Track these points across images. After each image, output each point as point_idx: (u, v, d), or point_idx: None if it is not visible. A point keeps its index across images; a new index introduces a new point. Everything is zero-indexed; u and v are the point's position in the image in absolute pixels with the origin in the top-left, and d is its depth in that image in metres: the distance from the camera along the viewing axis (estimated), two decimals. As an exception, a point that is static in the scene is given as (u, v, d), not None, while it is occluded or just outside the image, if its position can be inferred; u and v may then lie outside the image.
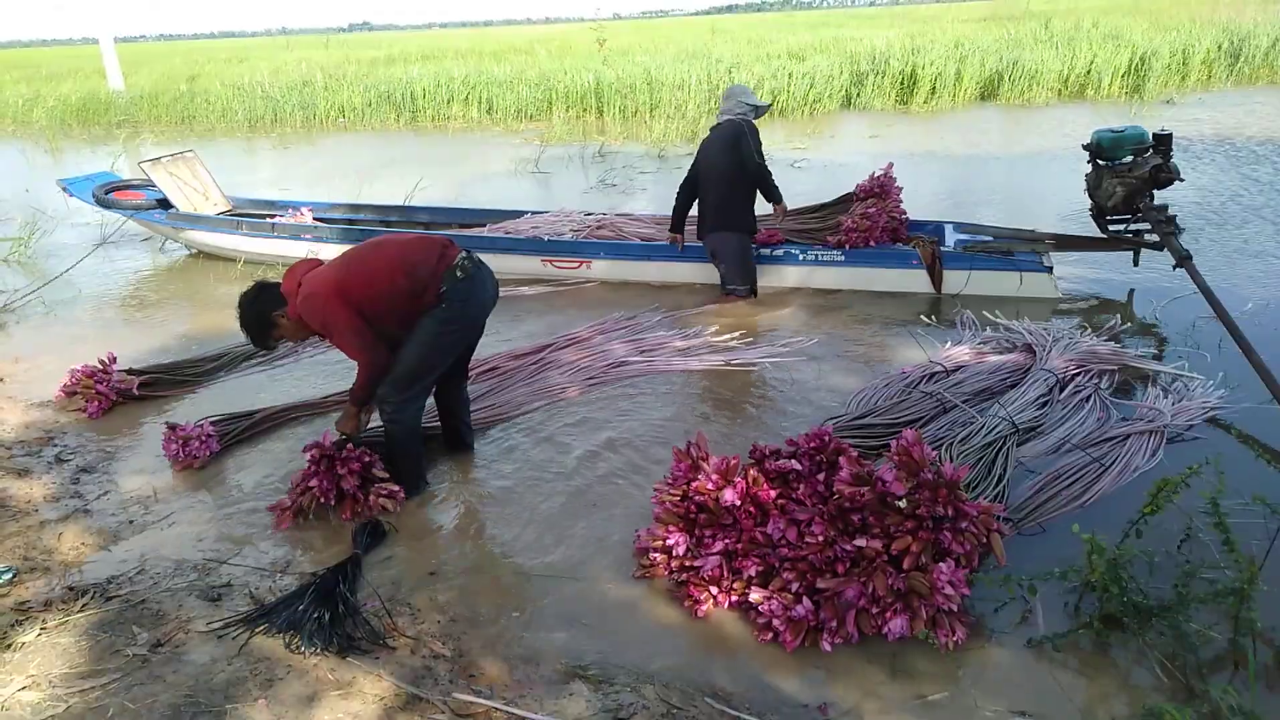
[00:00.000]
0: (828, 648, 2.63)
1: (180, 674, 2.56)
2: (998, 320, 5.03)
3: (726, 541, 2.89)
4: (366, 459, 3.50)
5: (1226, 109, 13.27)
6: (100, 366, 4.64)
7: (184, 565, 3.16)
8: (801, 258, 5.75)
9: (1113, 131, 5.37)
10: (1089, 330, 4.84)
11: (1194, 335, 4.82)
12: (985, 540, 2.77)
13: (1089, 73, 15.56)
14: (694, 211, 5.81)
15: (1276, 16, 18.77)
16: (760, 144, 5.61)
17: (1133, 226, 5.46)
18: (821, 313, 5.48)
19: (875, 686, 2.51)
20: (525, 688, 2.54)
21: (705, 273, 5.93)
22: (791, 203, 7.71)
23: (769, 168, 5.62)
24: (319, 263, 3.52)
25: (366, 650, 2.68)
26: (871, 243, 5.68)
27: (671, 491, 3.08)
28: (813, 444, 3.06)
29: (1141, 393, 4.18)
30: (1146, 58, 15.36)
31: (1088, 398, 4.09)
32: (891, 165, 6.03)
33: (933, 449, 3.48)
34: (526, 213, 6.98)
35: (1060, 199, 8.01)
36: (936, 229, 5.98)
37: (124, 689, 2.50)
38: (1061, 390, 4.16)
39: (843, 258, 5.66)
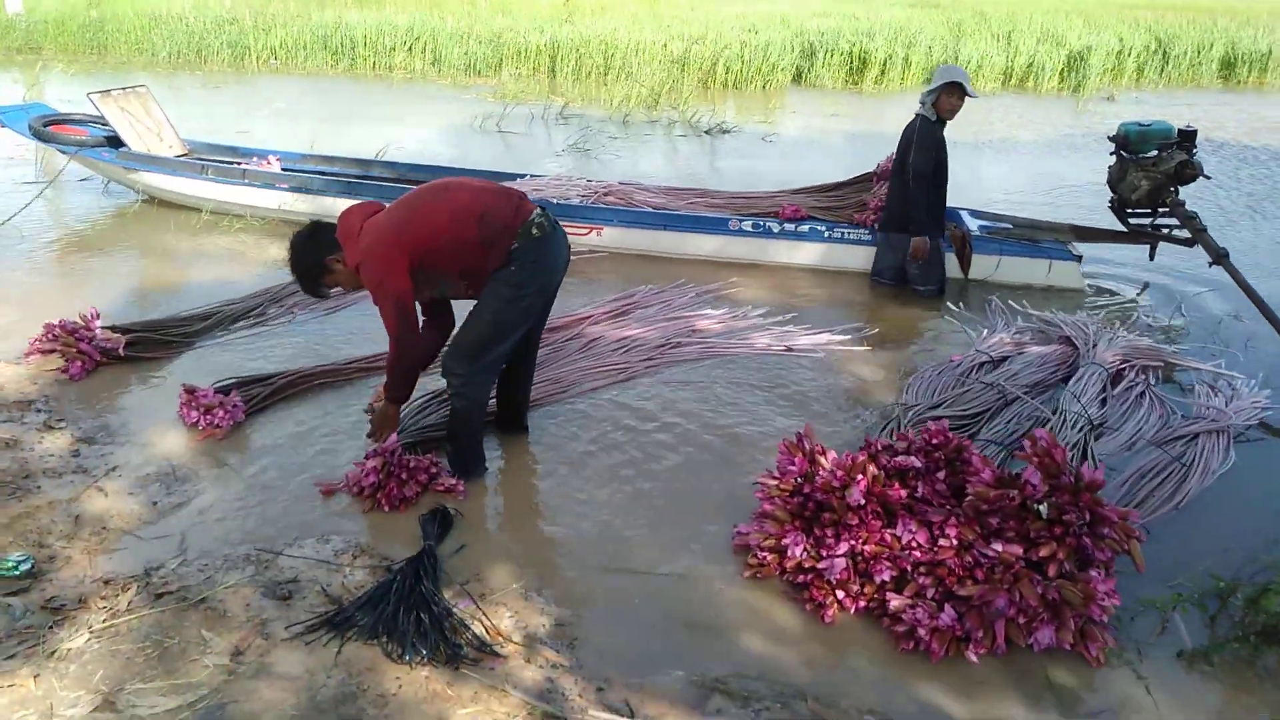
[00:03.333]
0: (974, 659, 2.50)
1: (277, 689, 2.25)
2: (1027, 309, 4.98)
3: (852, 543, 2.71)
4: (434, 470, 3.20)
5: (1162, 107, 13.68)
6: (81, 323, 4.14)
7: (234, 556, 2.81)
8: (826, 235, 5.59)
9: (1140, 125, 5.34)
10: (1115, 323, 4.83)
11: (1221, 332, 4.88)
12: (1124, 547, 2.67)
13: (1030, 66, 15.83)
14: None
15: (1197, 23, 19.44)
16: (935, 153, 5.14)
17: (1152, 221, 5.46)
18: (856, 292, 5.35)
19: (1034, 703, 2.38)
20: (663, 704, 2.32)
21: (724, 247, 5.71)
22: (784, 179, 7.58)
23: (912, 183, 5.14)
24: (381, 207, 3.17)
25: (476, 659, 2.41)
26: (895, 224, 5.56)
27: (780, 486, 2.89)
28: (935, 440, 2.90)
29: (1184, 390, 4.18)
30: (1084, 54, 15.72)
31: (1141, 394, 4.07)
32: (912, 147, 5.90)
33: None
34: (524, 175, 6.61)
35: (1007, 186, 8.11)
36: (952, 214, 5.89)
37: (217, 708, 2.18)
38: (1113, 386, 4.12)
39: (870, 237, 5.52)
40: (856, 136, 10.76)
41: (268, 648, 2.39)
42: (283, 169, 6.89)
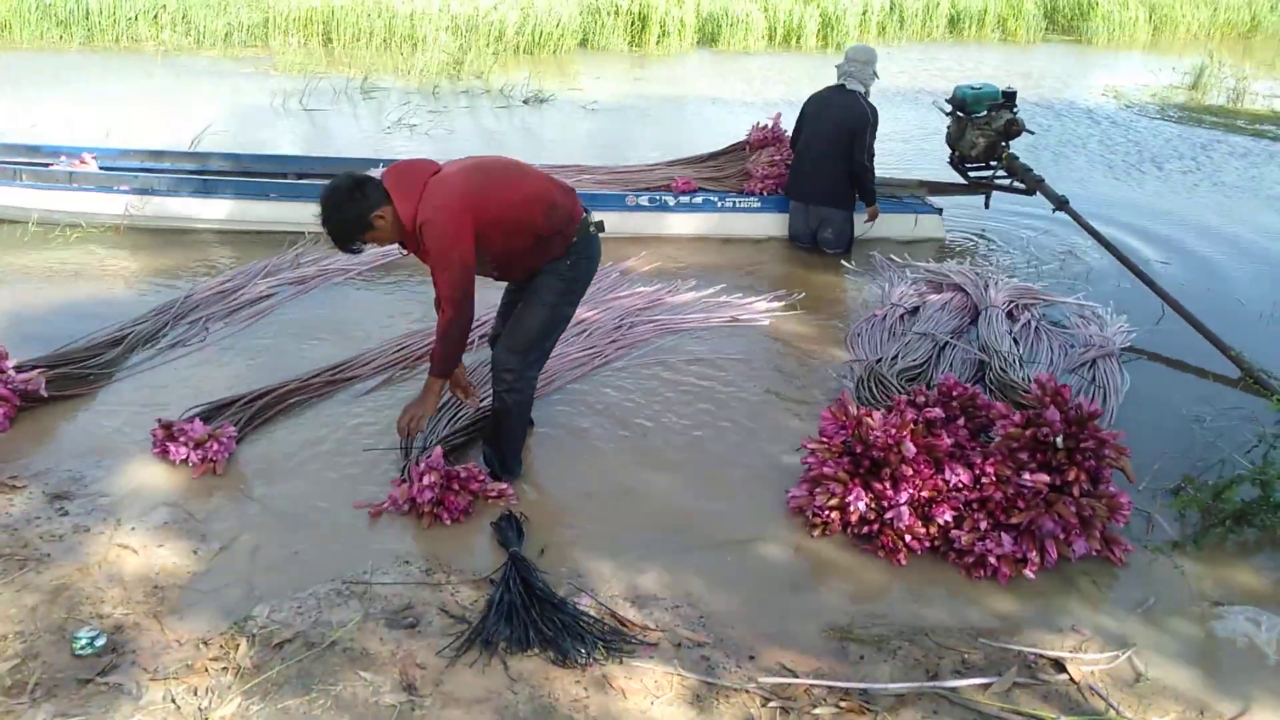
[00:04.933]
0: (1032, 575, 2.92)
1: (476, 714, 2.25)
2: (910, 261, 5.53)
3: (910, 491, 3.04)
4: (481, 478, 3.18)
5: (913, 61, 15.17)
6: (-10, 364, 3.64)
7: (324, 593, 2.70)
8: (719, 205, 5.87)
9: (973, 88, 6.04)
10: (993, 268, 5.51)
11: (1066, 269, 5.69)
12: (1119, 464, 3.18)
13: (791, 26, 16.87)
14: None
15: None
16: (874, 138, 5.59)
17: (983, 174, 6.19)
18: (759, 258, 5.66)
19: (1093, 603, 2.84)
20: (813, 660, 2.55)
21: (622, 222, 5.83)
22: (636, 147, 7.80)
23: (871, 165, 5.61)
24: (437, 165, 3.06)
25: (630, 650, 2.52)
26: (779, 190, 5.94)
27: (830, 449, 3.17)
28: (954, 391, 3.30)
29: (1060, 324, 4.87)
30: (839, 15, 16.99)
31: (1036, 329, 4.71)
32: (780, 115, 6.29)
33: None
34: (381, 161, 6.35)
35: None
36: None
37: (431, 745, 2.15)
38: (1013, 324, 4.74)
39: (759, 204, 5.87)
40: (672, 100, 11.14)
41: (435, 677, 2.37)
42: (101, 168, 6.19)
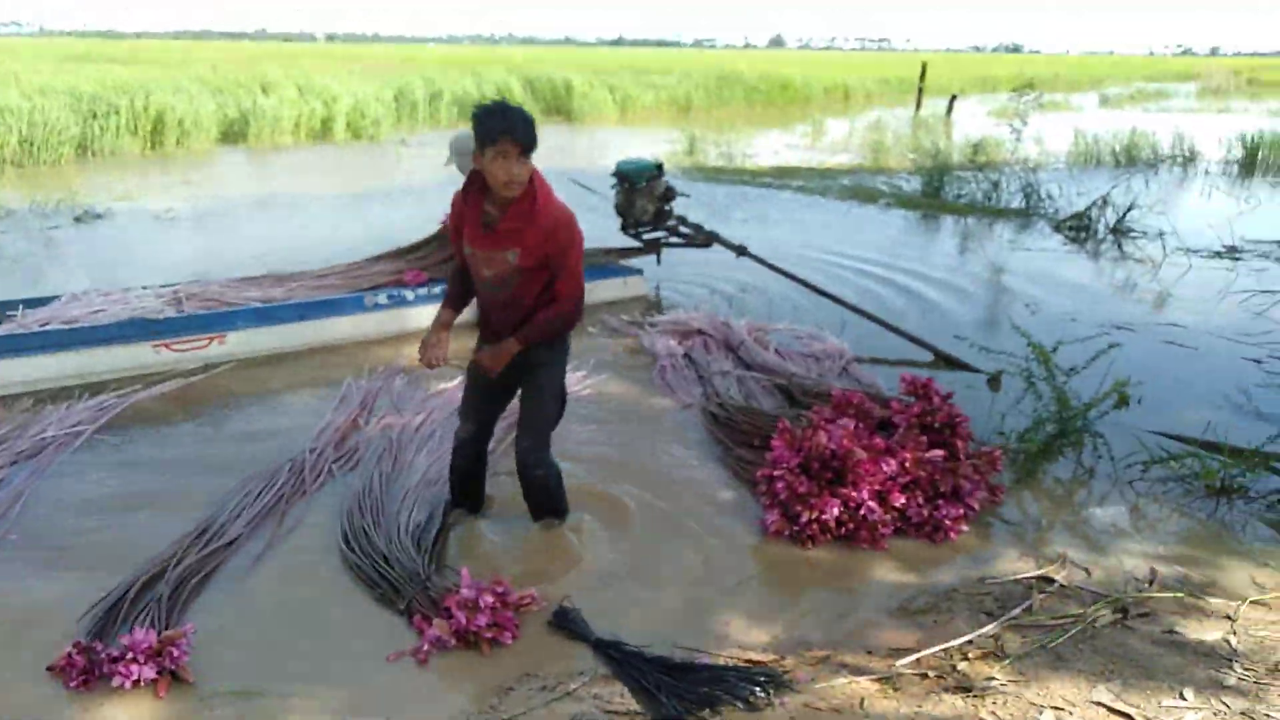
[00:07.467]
0: (966, 529, 3.63)
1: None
2: (640, 319, 6.12)
3: (869, 488, 3.58)
4: (508, 591, 3.00)
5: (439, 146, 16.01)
6: None
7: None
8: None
9: (633, 163, 6.86)
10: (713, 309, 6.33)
11: (752, 301, 6.73)
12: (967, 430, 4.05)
13: (314, 119, 16.70)
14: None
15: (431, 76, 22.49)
16: None
17: (656, 234, 7.04)
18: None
19: (1015, 534, 3.64)
20: (908, 635, 2.94)
21: (361, 325, 5.56)
22: (258, 252, 7.49)
23: None
24: None
25: (785, 682, 2.67)
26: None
27: (790, 473, 3.58)
28: (853, 400, 3.93)
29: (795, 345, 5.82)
30: (365, 108, 17.23)
31: (784, 352, 5.59)
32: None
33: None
34: (54, 298, 5.20)
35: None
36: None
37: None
38: (767, 351, 5.56)
39: (498, 287, 5.97)
40: (260, 200, 10.49)
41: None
42: None
